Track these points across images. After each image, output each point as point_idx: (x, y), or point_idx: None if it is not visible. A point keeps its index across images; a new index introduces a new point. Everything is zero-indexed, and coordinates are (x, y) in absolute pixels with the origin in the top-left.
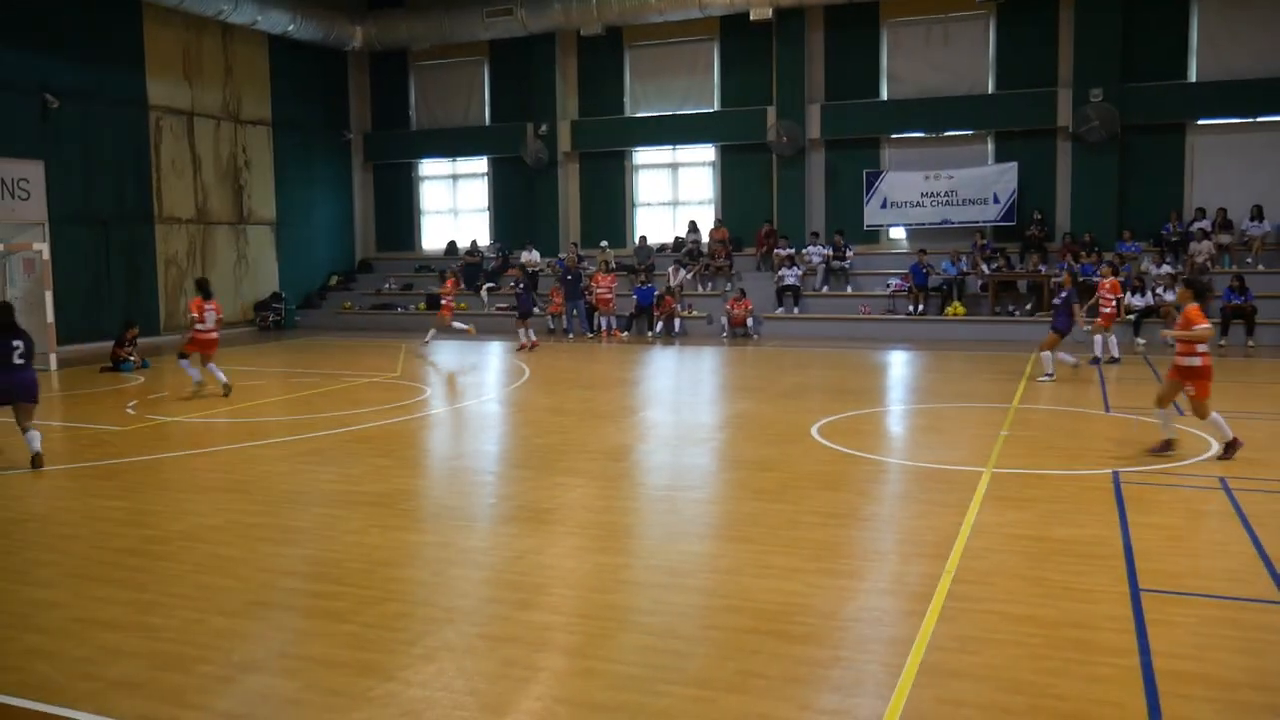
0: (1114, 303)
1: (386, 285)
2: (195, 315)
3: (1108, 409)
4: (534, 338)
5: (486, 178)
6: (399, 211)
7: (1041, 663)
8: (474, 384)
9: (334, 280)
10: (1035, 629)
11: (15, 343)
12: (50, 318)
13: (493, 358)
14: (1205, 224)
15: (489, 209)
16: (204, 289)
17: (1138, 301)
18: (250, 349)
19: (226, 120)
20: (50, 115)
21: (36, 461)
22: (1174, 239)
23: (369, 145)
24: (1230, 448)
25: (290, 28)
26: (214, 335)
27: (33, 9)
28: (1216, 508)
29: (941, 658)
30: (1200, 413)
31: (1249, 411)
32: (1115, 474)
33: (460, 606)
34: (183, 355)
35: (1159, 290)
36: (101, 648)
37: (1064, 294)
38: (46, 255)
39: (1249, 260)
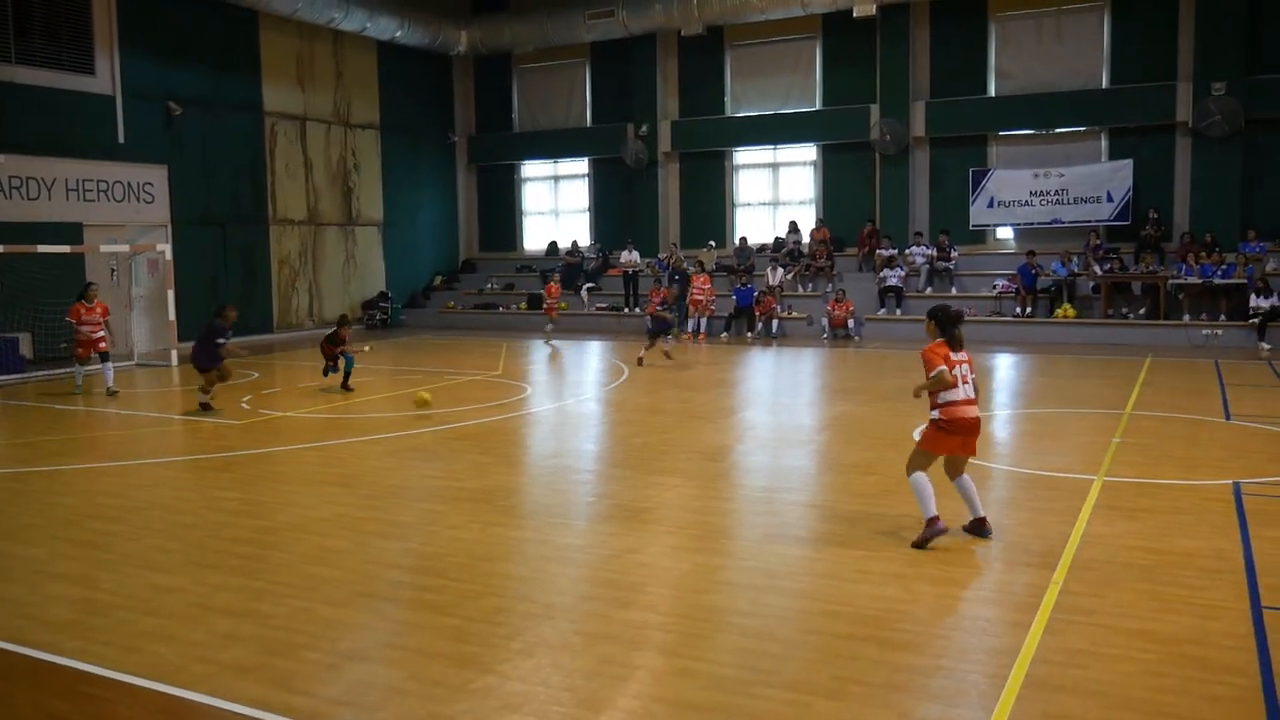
0: None
1: (488, 285)
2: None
3: (1228, 416)
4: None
5: (587, 179)
6: (501, 212)
7: (1155, 680)
8: (574, 383)
9: (438, 280)
10: (1148, 644)
11: None
12: (172, 315)
13: (593, 357)
14: None
15: (589, 210)
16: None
17: (1263, 303)
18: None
19: (337, 124)
20: (173, 122)
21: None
22: None
23: (473, 147)
24: None
25: (398, 34)
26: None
27: (158, 21)
28: None
29: (1048, 671)
30: None
31: None
32: (1236, 485)
33: (558, 603)
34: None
35: None
36: (216, 633)
37: None
38: (169, 256)
39: None
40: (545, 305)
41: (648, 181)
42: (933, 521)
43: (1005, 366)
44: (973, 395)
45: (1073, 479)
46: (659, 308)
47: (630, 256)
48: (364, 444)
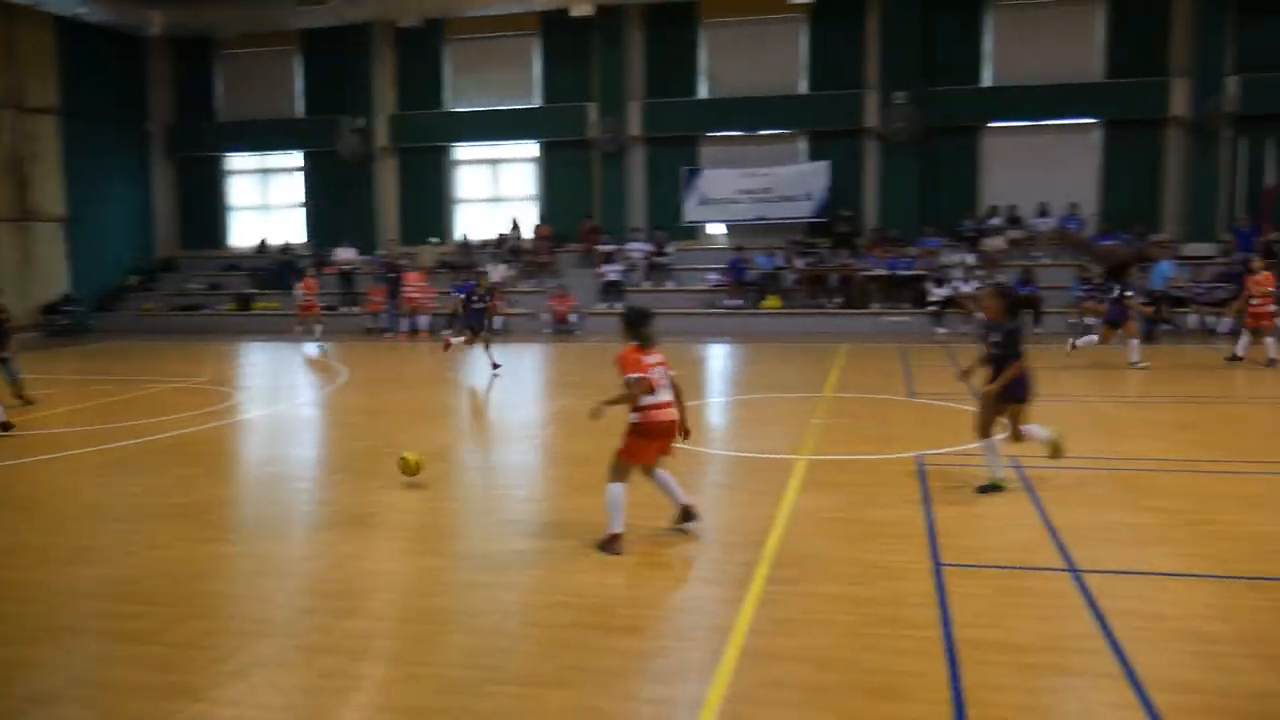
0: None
1: (192, 285)
2: None
3: (912, 395)
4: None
5: (300, 172)
6: (205, 207)
7: (854, 640)
8: (288, 387)
9: (133, 281)
10: (848, 608)
11: None
12: None
13: (307, 359)
14: (998, 220)
15: (303, 205)
16: None
17: (940, 293)
18: (38, 356)
19: (7, 109)
20: None
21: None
22: (970, 234)
23: (171, 137)
24: None
25: (81, 10)
26: None
27: None
28: (1009, 485)
29: (760, 641)
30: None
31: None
32: (920, 457)
33: (275, 619)
34: None
35: (957, 283)
36: None
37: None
38: None
39: (1035, 254)
40: (303, 304)
41: (365, 176)
42: (614, 539)
43: (718, 356)
44: (669, 398)
45: (779, 459)
46: (475, 302)
47: (347, 254)
48: (46, 463)
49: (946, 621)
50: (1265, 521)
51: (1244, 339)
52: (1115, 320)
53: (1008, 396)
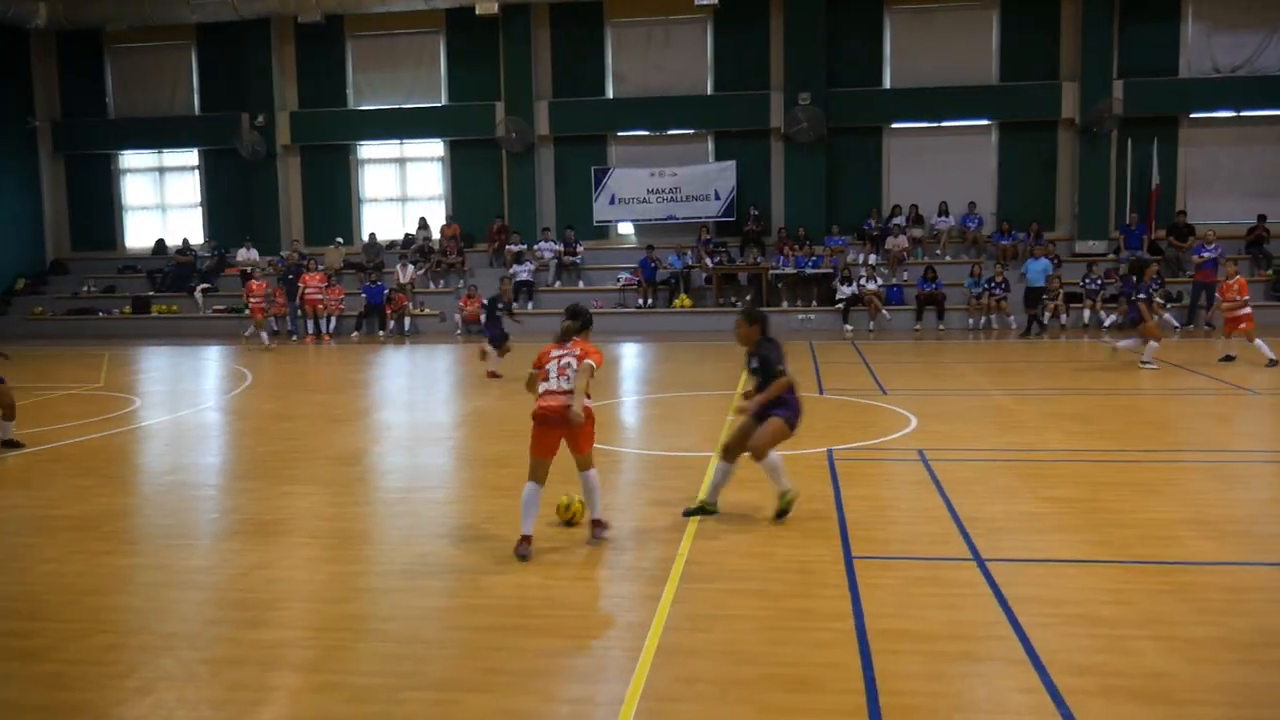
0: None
1: (85, 288)
2: None
3: (821, 391)
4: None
5: (198, 171)
6: (97, 207)
7: (770, 633)
8: (190, 392)
9: (21, 284)
10: (762, 602)
11: None
12: None
13: (210, 363)
14: (900, 219)
15: (201, 205)
16: None
17: (847, 290)
18: None
19: None
20: None
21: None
22: (875, 233)
23: (59, 134)
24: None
25: None
26: None
27: None
28: (916, 477)
29: (677, 638)
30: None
31: (941, 389)
32: (829, 451)
33: (180, 631)
34: None
35: (863, 281)
36: None
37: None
38: None
39: (938, 252)
40: (252, 305)
41: (266, 175)
42: (521, 541)
43: (631, 355)
44: (558, 386)
45: (694, 457)
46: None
47: (249, 255)
48: None
49: (858, 613)
50: (1156, 507)
51: (1259, 343)
52: (1134, 320)
53: (766, 414)
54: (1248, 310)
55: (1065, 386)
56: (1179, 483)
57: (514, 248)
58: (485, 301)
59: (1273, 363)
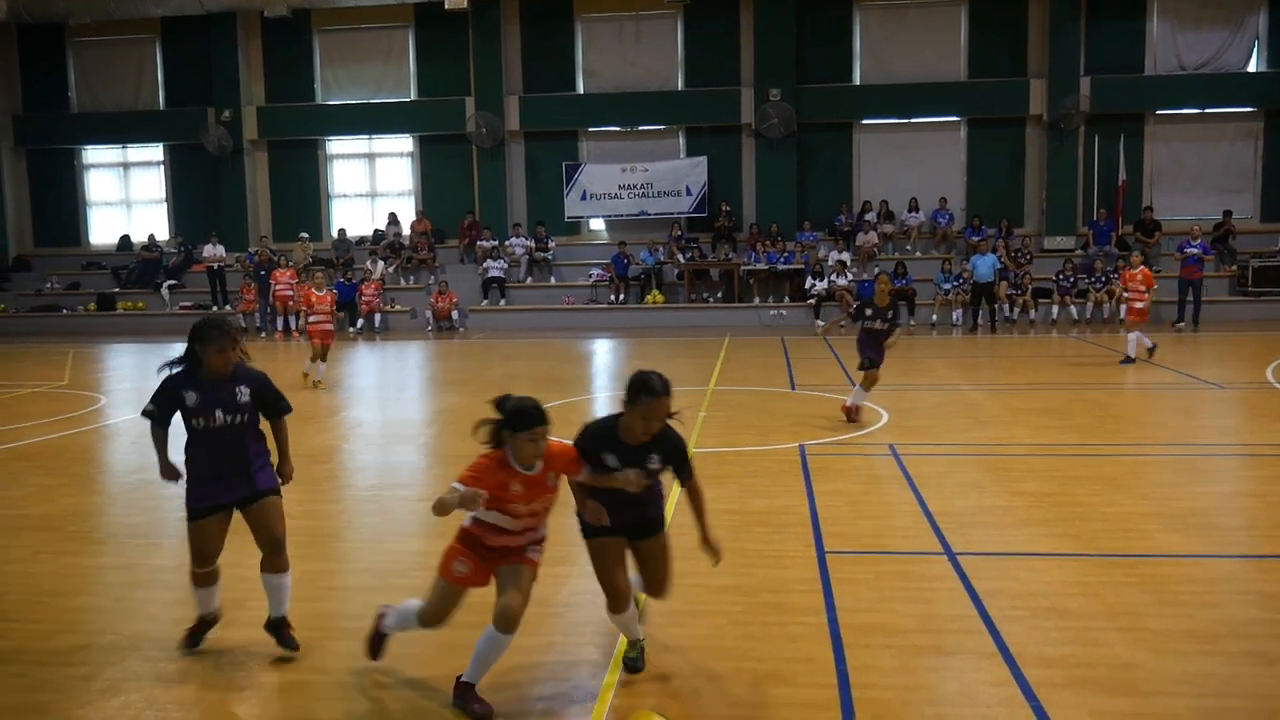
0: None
1: (48, 284)
2: None
3: (793, 387)
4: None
5: (163, 166)
6: (60, 203)
7: (742, 629)
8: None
9: None
10: (736, 597)
11: None
12: None
13: None
14: (872, 215)
15: (166, 200)
16: None
17: (818, 286)
18: None
19: None
20: None
21: None
22: (846, 229)
23: (20, 129)
24: None
25: None
26: None
27: None
28: (888, 473)
29: (651, 632)
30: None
31: (911, 384)
32: (801, 447)
33: (148, 632)
34: None
35: (833, 277)
36: None
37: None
38: None
39: (908, 247)
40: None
41: (233, 170)
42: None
43: (603, 351)
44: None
45: None
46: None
47: (215, 251)
48: None
49: (831, 607)
50: (1123, 501)
51: (1132, 337)
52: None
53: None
54: (1143, 305)
55: (1034, 381)
56: (1145, 476)
57: (485, 244)
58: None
59: (1127, 360)
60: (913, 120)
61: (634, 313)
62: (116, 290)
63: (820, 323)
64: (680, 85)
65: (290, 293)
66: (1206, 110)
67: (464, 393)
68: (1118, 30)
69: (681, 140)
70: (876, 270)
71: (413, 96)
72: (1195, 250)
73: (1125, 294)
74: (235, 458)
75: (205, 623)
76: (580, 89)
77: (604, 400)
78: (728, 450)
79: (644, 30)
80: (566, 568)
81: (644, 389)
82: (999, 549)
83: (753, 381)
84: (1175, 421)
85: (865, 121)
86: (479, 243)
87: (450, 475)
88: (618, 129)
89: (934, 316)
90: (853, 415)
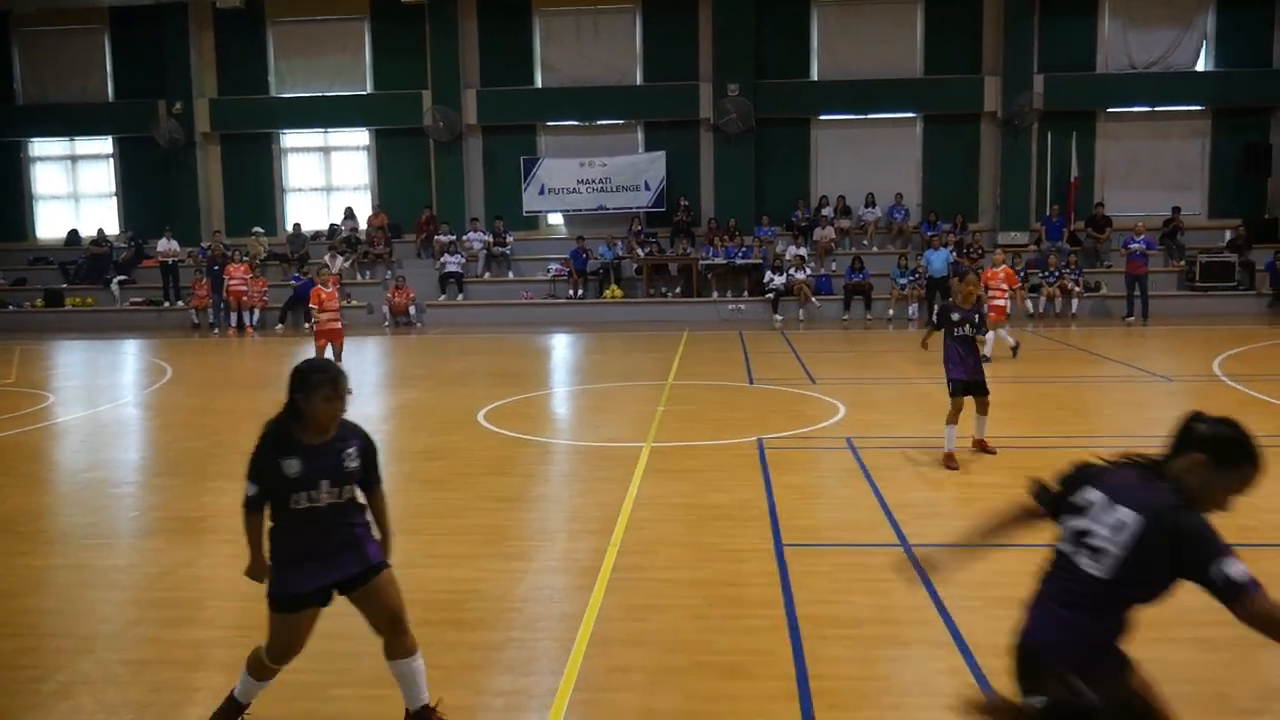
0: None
1: None
2: None
3: (751, 381)
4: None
5: (112, 160)
6: (6, 197)
7: (701, 622)
8: (108, 387)
9: None
10: (695, 591)
11: None
12: None
13: (128, 357)
14: (829, 210)
15: (117, 194)
16: None
17: (776, 280)
18: None
19: None
20: None
21: None
22: (803, 224)
23: None
24: None
25: None
26: None
27: None
28: (845, 466)
29: (610, 628)
30: None
31: (868, 378)
32: (759, 441)
33: (100, 633)
34: None
35: (792, 271)
36: None
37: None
38: None
39: (865, 242)
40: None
41: (185, 164)
42: None
43: (562, 346)
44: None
45: (625, 447)
46: None
47: (168, 245)
48: None
49: (789, 600)
50: None
51: (990, 336)
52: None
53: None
54: (1003, 303)
55: (988, 374)
56: None
57: (443, 238)
58: None
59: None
60: (870, 116)
61: (592, 308)
62: (64, 286)
63: (779, 317)
64: (639, 80)
65: (245, 288)
66: (1156, 108)
67: (421, 388)
68: (1070, 29)
69: (640, 135)
70: (833, 265)
71: (369, 90)
72: (1139, 246)
73: (986, 292)
74: (341, 531)
75: (239, 711)
76: (538, 83)
77: (561, 395)
78: (686, 445)
79: (602, 24)
80: (524, 563)
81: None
82: (954, 539)
83: (711, 376)
84: (1125, 413)
85: (823, 117)
86: (436, 237)
87: (408, 471)
88: (576, 123)
89: (890, 310)
90: (950, 462)
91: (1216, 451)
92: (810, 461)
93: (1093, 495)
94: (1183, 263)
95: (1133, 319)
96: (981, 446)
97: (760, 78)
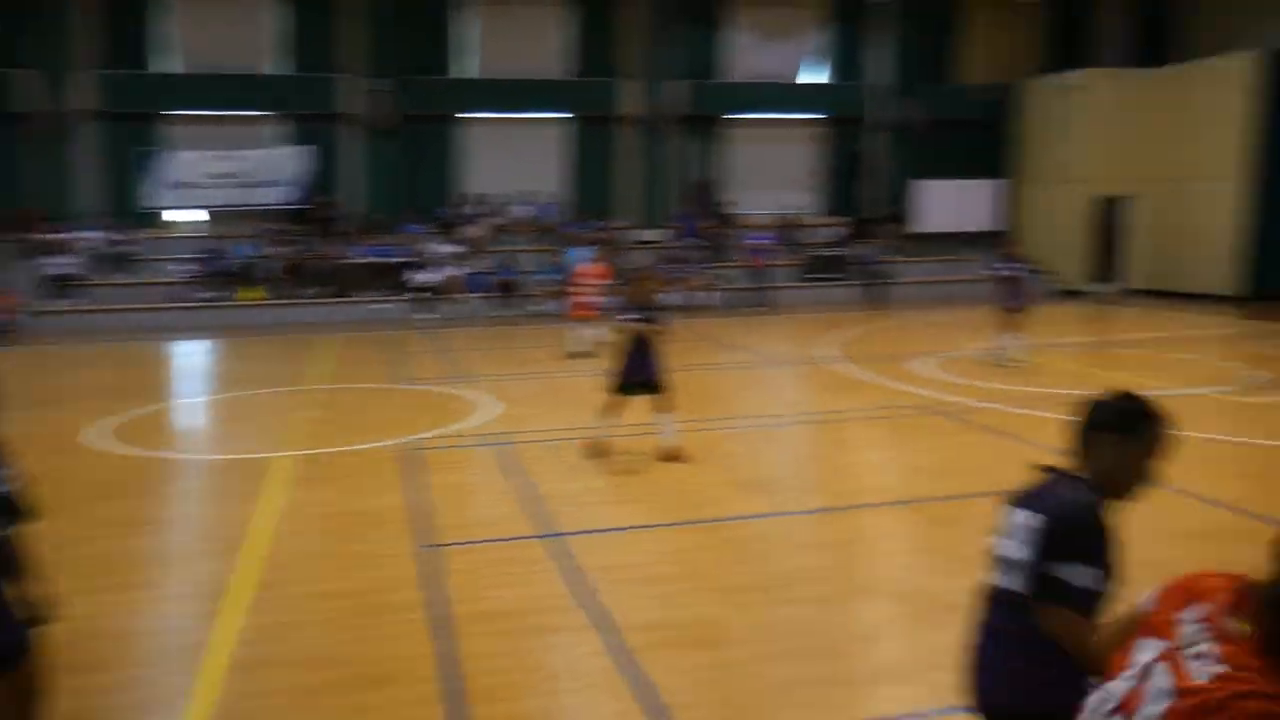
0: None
1: None
2: None
3: (398, 382)
4: None
5: None
6: None
7: (345, 634)
8: None
9: None
10: (339, 603)
11: None
12: None
13: None
14: (478, 207)
15: None
16: None
17: (425, 278)
18: None
19: None
20: None
21: None
22: (454, 221)
23: None
24: None
25: None
26: None
27: None
28: (493, 461)
29: (248, 652)
30: None
31: (517, 373)
32: (408, 442)
33: None
34: None
35: (443, 268)
36: None
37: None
38: None
39: (515, 240)
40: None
41: None
42: None
43: (193, 353)
44: None
45: (260, 458)
46: None
47: None
48: None
49: (438, 601)
50: (700, 473)
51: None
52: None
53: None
54: (590, 300)
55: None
56: (724, 448)
57: (50, 235)
58: None
59: (572, 355)
60: (520, 115)
61: (230, 311)
62: None
63: (428, 315)
64: (277, 70)
65: None
66: (778, 116)
67: (11, 409)
68: (705, 39)
69: (280, 128)
70: (484, 262)
71: None
72: (763, 242)
73: (571, 289)
74: None
75: None
76: (166, 67)
77: (188, 407)
78: (329, 451)
79: (239, 8)
80: (147, 592)
81: None
82: (597, 526)
83: (357, 379)
84: (750, 396)
85: (472, 115)
86: (41, 235)
87: None
88: (208, 113)
89: (540, 306)
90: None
91: (1123, 425)
92: (461, 460)
93: (1004, 514)
94: (800, 257)
95: (760, 309)
96: (671, 456)
97: (407, 73)
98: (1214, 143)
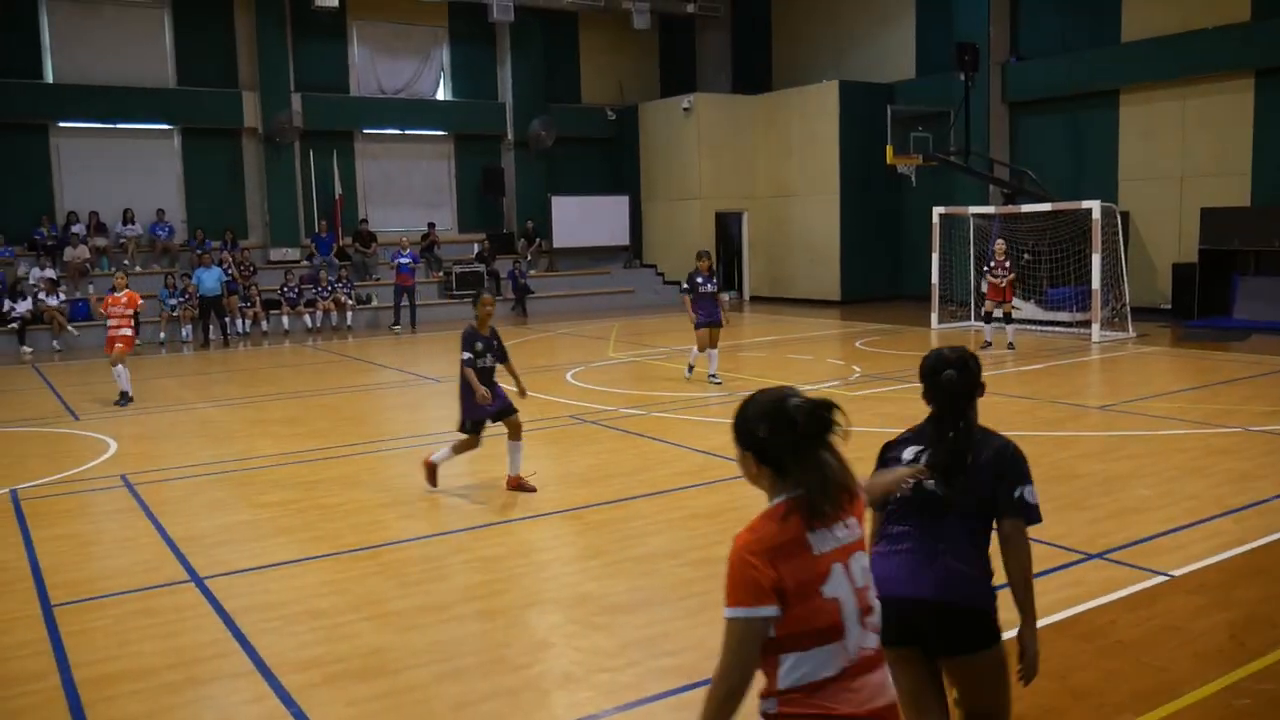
0: None
1: None
2: None
3: (73, 417)
4: None
5: None
6: None
7: None
8: None
9: None
10: None
11: None
12: None
13: None
14: (80, 228)
15: None
16: None
17: (21, 307)
18: None
19: None
20: None
21: None
22: (50, 243)
23: None
24: None
25: None
26: None
27: None
28: (120, 506)
29: None
30: None
31: (141, 408)
32: (13, 492)
33: None
34: None
35: (41, 295)
36: None
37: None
38: None
39: (126, 262)
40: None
41: None
42: None
43: None
44: None
45: None
46: None
47: None
48: None
49: (64, 666)
50: (362, 497)
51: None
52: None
53: None
54: (127, 332)
55: (271, 392)
56: (381, 470)
57: None
58: None
59: (123, 397)
60: (119, 126)
61: None
62: None
63: (28, 349)
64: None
65: None
66: (407, 131)
67: None
68: (323, 51)
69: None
70: (90, 288)
71: None
72: (406, 260)
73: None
74: None
75: None
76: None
77: None
78: None
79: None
80: None
81: None
82: (248, 564)
83: None
84: (403, 416)
85: (63, 124)
86: None
87: None
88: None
89: (162, 334)
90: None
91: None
92: (79, 507)
93: (910, 452)
94: (441, 274)
95: (399, 327)
96: (518, 485)
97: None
98: (811, 161)
